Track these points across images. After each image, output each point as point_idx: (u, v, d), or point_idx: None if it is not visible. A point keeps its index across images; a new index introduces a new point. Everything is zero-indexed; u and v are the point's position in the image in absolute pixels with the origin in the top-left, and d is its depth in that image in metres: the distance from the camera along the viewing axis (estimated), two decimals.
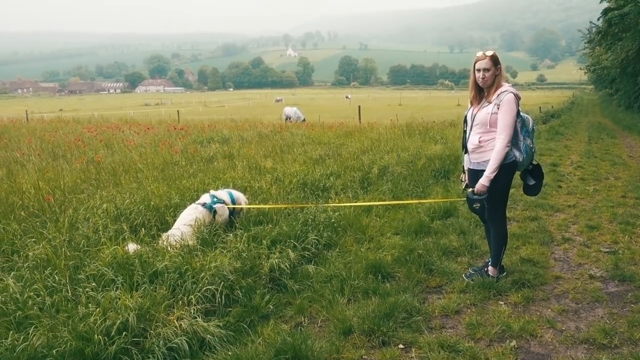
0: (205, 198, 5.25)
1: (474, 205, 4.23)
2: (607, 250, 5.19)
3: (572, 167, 10.60)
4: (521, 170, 4.36)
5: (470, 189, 4.23)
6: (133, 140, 11.95)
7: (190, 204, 5.22)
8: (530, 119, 4.31)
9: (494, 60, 4.08)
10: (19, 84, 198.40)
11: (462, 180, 4.60)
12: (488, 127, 4.11)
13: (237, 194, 5.60)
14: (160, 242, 4.48)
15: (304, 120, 26.49)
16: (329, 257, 4.78)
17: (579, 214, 6.69)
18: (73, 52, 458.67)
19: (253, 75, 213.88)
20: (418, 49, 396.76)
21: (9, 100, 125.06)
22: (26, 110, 31.75)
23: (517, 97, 4.08)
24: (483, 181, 4.08)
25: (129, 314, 3.11)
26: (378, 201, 6.53)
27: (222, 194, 5.42)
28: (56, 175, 6.87)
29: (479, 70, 4.09)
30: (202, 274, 3.75)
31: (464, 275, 4.48)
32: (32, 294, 3.34)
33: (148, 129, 15.84)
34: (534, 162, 4.37)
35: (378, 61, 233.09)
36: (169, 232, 4.73)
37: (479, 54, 4.15)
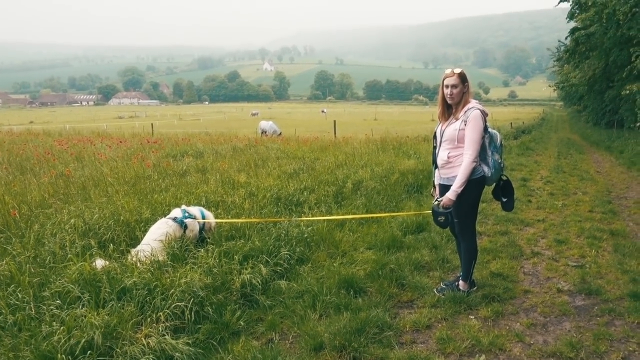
0: (176, 212, 5.18)
1: (439, 219, 4.27)
2: (575, 264, 5.29)
3: (542, 182, 10.82)
4: (490, 185, 4.43)
5: (436, 202, 4.28)
6: (104, 153, 11.76)
7: (161, 218, 5.16)
8: (498, 135, 4.39)
9: (462, 77, 4.16)
10: None
11: (432, 195, 4.65)
12: (456, 143, 4.18)
13: (208, 213, 5.56)
14: (129, 257, 4.40)
15: (280, 133, 26.51)
16: (302, 273, 4.76)
17: (548, 228, 6.82)
18: (45, 63, 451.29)
19: (229, 89, 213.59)
20: (393, 64, 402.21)
21: None
22: None
23: (484, 114, 4.17)
24: (450, 195, 4.13)
25: (94, 332, 3.04)
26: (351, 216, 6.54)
27: (194, 210, 5.37)
28: (23, 190, 6.71)
29: (447, 86, 4.17)
30: (172, 290, 3.69)
31: (435, 289, 4.51)
32: None
33: (121, 142, 15.62)
34: (504, 178, 4.45)
35: (354, 76, 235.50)
36: (139, 247, 4.66)
37: (448, 71, 4.23)
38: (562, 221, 7.20)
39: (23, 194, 6.40)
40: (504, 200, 4.49)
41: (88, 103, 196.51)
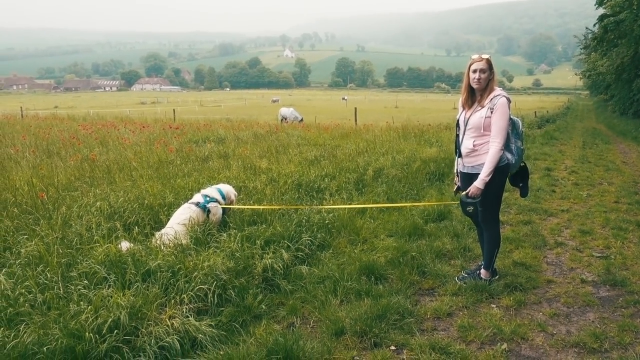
0: (198, 197, 5.24)
1: (467, 209, 4.24)
2: (599, 255, 5.21)
3: (566, 172, 10.65)
4: (513, 172, 4.38)
5: (464, 192, 4.24)
6: (128, 138, 11.93)
7: (184, 203, 5.22)
8: (520, 122, 4.35)
9: (490, 63, 4.12)
10: (14, 81, 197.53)
11: (455, 184, 4.62)
12: (482, 130, 4.14)
13: (226, 188, 5.59)
14: (153, 240, 4.48)
15: (301, 120, 26.57)
16: (323, 258, 4.78)
17: (572, 218, 6.72)
18: (69, 49, 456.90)
19: (250, 76, 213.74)
20: (415, 51, 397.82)
21: (4, 96, 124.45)
22: (21, 107, 31.67)
23: (509, 101, 4.13)
24: (478, 184, 4.10)
25: (120, 313, 3.10)
26: (372, 203, 6.53)
27: (212, 191, 5.39)
28: (50, 173, 6.85)
29: (474, 71, 4.11)
30: (195, 274, 3.74)
31: (456, 278, 4.49)
32: (23, 290, 3.33)
33: (143, 127, 15.81)
34: (522, 164, 4.41)
35: (375, 63, 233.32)
36: (163, 230, 4.73)
37: (475, 56, 4.18)
38: (587, 211, 7.09)
39: (50, 177, 6.53)
40: (520, 185, 4.47)
41: (111, 89, 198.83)
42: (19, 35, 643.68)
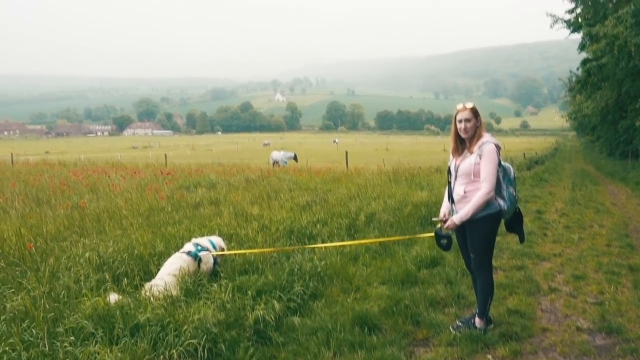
0: (189, 247, 5.19)
1: (441, 241, 4.33)
2: (594, 301, 5.18)
3: (557, 215, 10.70)
4: (505, 218, 4.39)
5: (438, 225, 4.30)
6: (119, 184, 11.89)
7: (175, 252, 5.16)
8: (512, 168, 4.39)
9: (474, 112, 4.19)
10: (6, 126, 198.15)
11: (433, 221, 4.60)
12: (472, 177, 4.18)
13: (217, 239, 5.57)
14: (142, 292, 4.40)
15: (295, 157, 27.00)
16: (315, 308, 4.71)
17: (565, 263, 6.71)
18: (62, 95, 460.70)
19: (241, 119, 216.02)
20: (404, 95, 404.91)
21: None
22: (11, 153, 31.59)
23: (498, 147, 4.18)
24: (455, 219, 4.16)
25: None
26: (365, 250, 6.50)
27: (204, 241, 5.37)
28: (39, 222, 6.77)
29: (460, 121, 4.20)
30: (185, 327, 3.66)
31: (451, 327, 4.42)
32: (7, 348, 3.24)
33: (135, 172, 15.79)
34: (517, 210, 4.43)
35: (365, 106, 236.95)
36: (152, 281, 4.65)
37: (459, 106, 4.26)
38: (579, 255, 7.08)
39: (39, 227, 6.45)
40: (516, 231, 4.49)
41: (103, 133, 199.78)
42: (12, 81, 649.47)
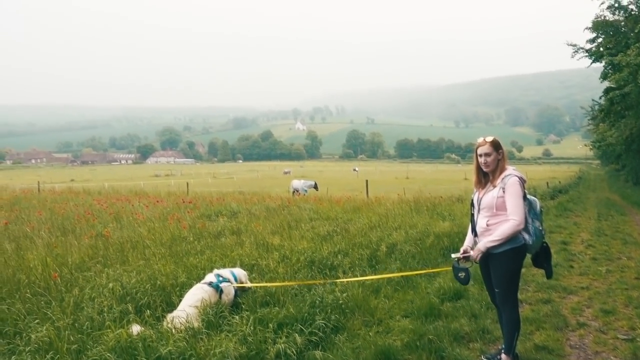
0: (210, 277, 5.20)
1: (459, 275, 4.27)
2: (625, 337, 5.01)
3: (583, 246, 10.47)
4: (531, 253, 4.32)
5: (455, 257, 4.25)
6: (142, 213, 12.03)
7: (196, 283, 5.18)
8: (538, 201, 4.32)
9: (495, 145, 4.17)
10: (33, 155, 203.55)
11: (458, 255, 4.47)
12: (495, 210, 4.13)
13: (239, 272, 5.57)
14: (165, 323, 4.40)
15: (315, 185, 27.15)
16: (337, 342, 4.65)
17: (593, 296, 6.53)
18: (87, 124, 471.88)
19: (262, 148, 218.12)
20: (424, 123, 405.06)
21: (22, 170, 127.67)
22: (38, 182, 32.32)
23: (522, 180, 4.13)
24: (480, 246, 4.12)
25: None
26: (386, 282, 6.43)
27: (225, 272, 5.38)
28: (64, 252, 6.87)
29: (480, 155, 4.19)
30: None
31: None
32: None
33: (157, 201, 15.98)
34: (544, 244, 4.34)
35: (385, 135, 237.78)
36: (174, 313, 4.66)
37: (480, 139, 4.25)
38: (608, 289, 6.89)
39: (64, 256, 6.55)
40: (545, 266, 4.38)
41: (127, 162, 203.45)
42: (41, 111, 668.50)
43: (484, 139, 4.22)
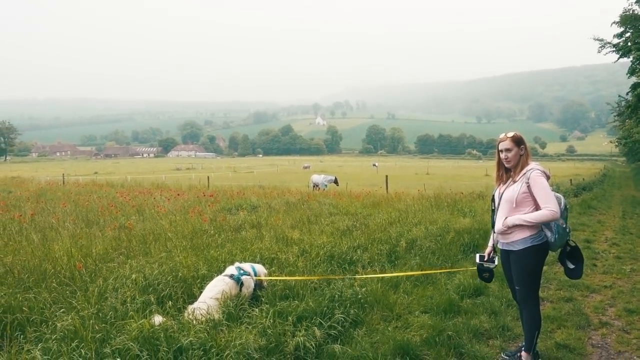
0: (231, 270, 5.26)
1: (484, 274, 4.33)
2: None
3: (607, 244, 10.30)
4: (554, 251, 4.27)
5: (478, 259, 4.27)
6: (164, 206, 12.19)
7: (217, 275, 5.24)
8: (562, 198, 4.24)
9: (515, 140, 4.14)
10: (58, 148, 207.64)
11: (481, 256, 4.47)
12: (514, 205, 4.10)
13: (259, 268, 5.63)
14: (186, 315, 4.47)
15: (335, 180, 27.18)
16: (356, 336, 4.66)
17: (616, 295, 6.43)
18: (111, 117, 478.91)
19: (282, 142, 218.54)
20: (445, 119, 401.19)
21: (48, 163, 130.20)
22: (63, 174, 32.94)
23: (544, 174, 4.08)
24: (509, 220, 4.09)
25: None
26: (406, 277, 6.42)
27: (246, 266, 5.44)
28: (88, 243, 7.01)
29: (502, 150, 4.17)
30: (227, 352, 3.70)
31: None
32: None
33: (178, 194, 16.17)
34: (571, 244, 4.26)
35: (405, 130, 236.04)
36: (195, 304, 4.73)
37: (502, 135, 4.23)
38: (632, 288, 6.78)
39: (88, 247, 6.67)
40: (571, 267, 4.30)
41: (149, 155, 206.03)
42: (66, 105, 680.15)
43: (506, 134, 4.20)
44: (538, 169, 4.07)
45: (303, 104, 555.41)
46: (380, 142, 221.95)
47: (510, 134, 4.18)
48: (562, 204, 4.20)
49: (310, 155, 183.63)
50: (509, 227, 4.11)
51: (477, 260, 4.39)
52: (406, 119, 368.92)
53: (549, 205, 3.94)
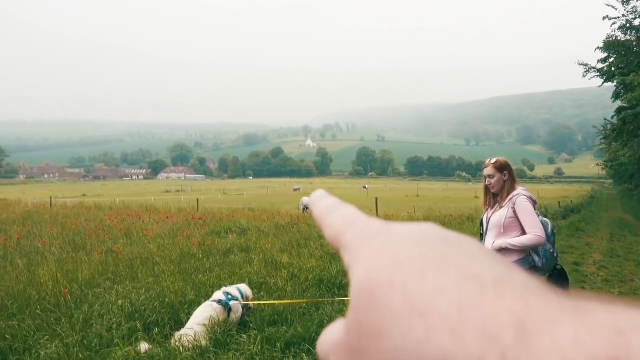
0: (219, 295, 5.21)
1: None
2: None
3: (595, 267, 10.34)
4: (542, 275, 4.28)
5: None
6: (152, 229, 12.10)
7: (205, 301, 5.18)
8: (549, 223, 4.26)
9: (498, 167, 4.17)
10: (47, 169, 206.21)
11: None
12: (502, 230, 4.12)
13: (244, 288, 5.56)
14: (172, 341, 4.41)
15: None
16: None
17: None
18: (100, 139, 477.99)
19: (273, 164, 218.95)
20: (434, 141, 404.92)
21: (36, 185, 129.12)
22: (50, 197, 32.64)
23: (532, 200, 4.09)
24: (495, 245, 4.07)
25: None
26: None
27: (233, 290, 5.37)
28: (75, 267, 6.93)
29: (485, 177, 4.22)
30: None
31: None
32: None
33: (167, 217, 16.08)
34: (558, 267, 4.28)
35: (395, 152, 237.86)
36: (182, 331, 4.67)
37: (486, 161, 4.28)
38: None
39: (74, 272, 6.60)
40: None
41: (138, 177, 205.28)
42: (55, 127, 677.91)
43: (489, 161, 4.25)
44: (524, 195, 4.10)
45: (293, 126, 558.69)
46: (370, 164, 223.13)
47: (493, 160, 4.23)
48: (550, 228, 4.23)
49: (300, 177, 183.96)
50: (497, 251, 4.13)
51: None
52: (396, 141, 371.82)
53: (535, 230, 3.97)
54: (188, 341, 4.38)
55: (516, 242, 4.01)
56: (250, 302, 5.43)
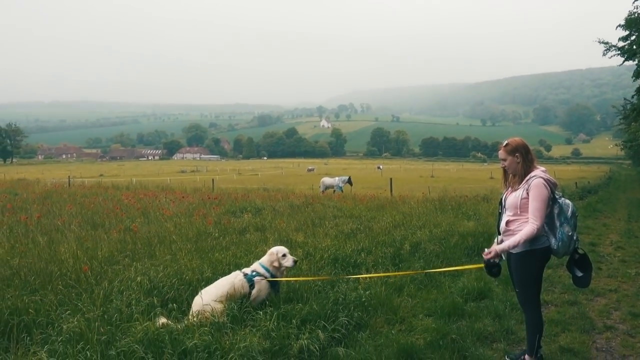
0: (254, 266, 5.20)
1: (493, 270, 4.26)
2: None
3: (612, 248, 10.26)
4: (559, 257, 4.25)
5: (485, 255, 4.27)
6: (168, 209, 12.24)
7: (220, 278, 5.20)
8: (570, 205, 4.15)
9: (509, 150, 4.16)
10: (64, 150, 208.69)
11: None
12: (518, 210, 4.11)
13: (278, 249, 5.38)
14: (190, 317, 4.48)
15: (350, 180, 27.34)
16: (359, 339, 4.67)
17: (621, 299, 6.41)
18: (117, 120, 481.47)
19: (287, 145, 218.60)
20: (450, 122, 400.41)
21: (53, 165, 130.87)
22: (69, 177, 33.08)
23: (548, 182, 4.03)
24: (497, 248, 4.13)
25: None
26: (410, 280, 6.43)
27: (260, 269, 5.28)
28: (94, 245, 7.06)
29: (500, 160, 4.23)
30: (231, 354, 3.72)
31: None
32: None
33: (183, 197, 16.22)
34: (580, 252, 4.20)
35: (410, 133, 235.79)
36: (204, 290, 4.79)
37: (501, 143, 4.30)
38: (637, 292, 6.76)
39: (94, 249, 6.72)
40: (579, 275, 4.22)
41: (154, 157, 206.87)
42: (72, 108, 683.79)
43: (502, 144, 4.26)
44: (541, 177, 4.03)
45: (307, 106, 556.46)
46: (384, 144, 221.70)
47: (505, 143, 4.22)
48: (570, 211, 4.12)
49: (314, 158, 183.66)
50: (506, 248, 4.12)
51: (485, 255, 4.35)
52: (411, 122, 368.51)
53: (533, 220, 3.95)
54: (206, 318, 4.45)
55: (512, 243, 4.03)
56: (272, 279, 5.32)
